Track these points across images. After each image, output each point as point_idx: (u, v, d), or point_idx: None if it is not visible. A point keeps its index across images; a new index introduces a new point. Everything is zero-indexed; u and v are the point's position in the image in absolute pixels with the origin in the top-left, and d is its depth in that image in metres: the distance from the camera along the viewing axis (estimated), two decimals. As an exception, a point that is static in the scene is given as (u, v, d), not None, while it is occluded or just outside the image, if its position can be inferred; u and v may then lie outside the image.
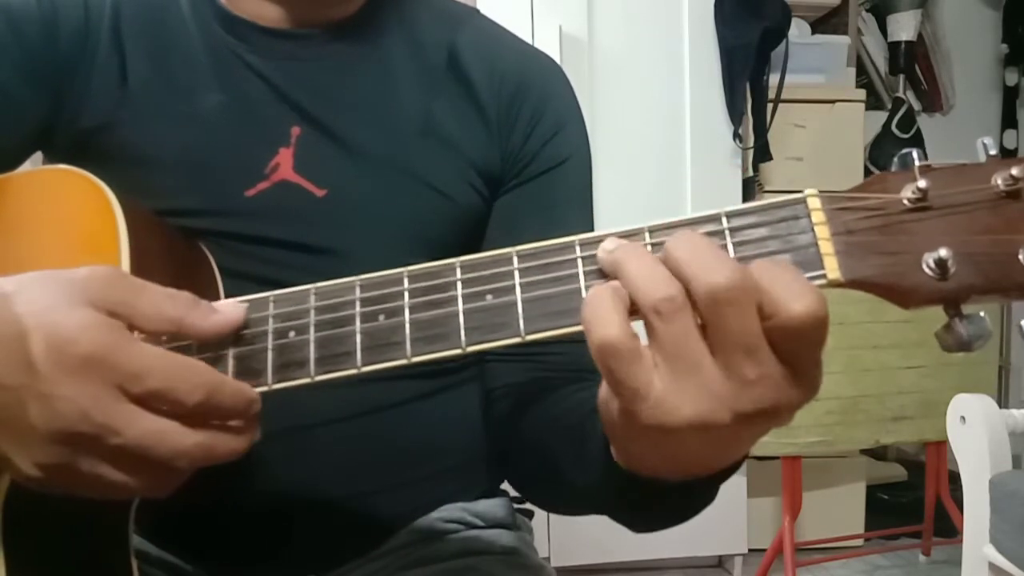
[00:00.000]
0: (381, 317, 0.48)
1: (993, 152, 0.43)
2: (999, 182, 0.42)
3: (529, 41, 0.85)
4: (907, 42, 2.82)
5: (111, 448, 0.45)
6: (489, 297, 0.47)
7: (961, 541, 1.54)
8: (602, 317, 0.41)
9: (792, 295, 0.40)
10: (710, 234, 0.45)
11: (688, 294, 0.41)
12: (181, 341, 0.50)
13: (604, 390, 0.44)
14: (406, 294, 0.48)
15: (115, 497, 0.48)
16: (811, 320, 0.39)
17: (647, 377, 0.41)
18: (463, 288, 0.47)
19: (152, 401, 0.45)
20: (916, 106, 2.99)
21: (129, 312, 0.46)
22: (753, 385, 0.40)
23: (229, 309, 0.50)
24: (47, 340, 0.44)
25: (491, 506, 0.80)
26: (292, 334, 0.49)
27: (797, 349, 0.41)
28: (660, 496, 0.50)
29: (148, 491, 0.47)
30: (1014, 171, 0.41)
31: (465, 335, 0.46)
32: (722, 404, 0.40)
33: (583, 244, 0.46)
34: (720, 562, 2.41)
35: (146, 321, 0.47)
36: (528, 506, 0.86)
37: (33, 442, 0.45)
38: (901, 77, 2.87)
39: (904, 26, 2.80)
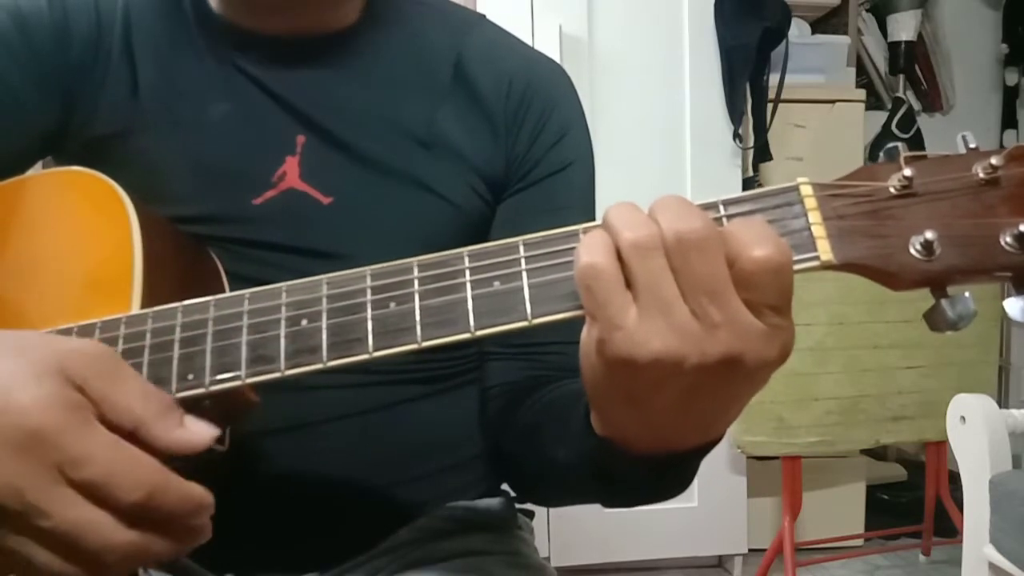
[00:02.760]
0: (392, 304, 0.49)
1: (973, 145, 0.46)
2: (979, 171, 0.44)
3: (529, 41, 0.86)
4: (907, 42, 2.82)
5: (39, 530, 0.43)
6: (497, 283, 0.48)
7: (961, 541, 1.55)
8: (591, 247, 0.44)
9: (753, 241, 0.42)
10: None
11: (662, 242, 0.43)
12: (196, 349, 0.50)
13: (585, 330, 0.46)
14: (416, 281, 0.49)
15: None
16: (770, 264, 0.42)
17: (623, 304, 0.43)
18: (471, 275, 0.49)
19: (90, 490, 0.43)
20: (916, 106, 2.99)
21: (97, 396, 0.45)
22: (719, 329, 0.42)
23: (199, 431, 0.48)
24: (3, 407, 0.43)
25: (492, 505, 0.81)
26: (304, 322, 0.50)
27: (760, 296, 0.43)
28: (635, 468, 0.51)
29: None
30: (993, 160, 0.44)
31: (474, 319, 0.48)
32: (689, 344, 0.43)
33: (587, 232, 0.47)
34: (720, 562, 2.41)
35: (112, 412, 0.45)
36: (529, 506, 0.86)
37: None
38: (901, 77, 2.87)
39: (904, 26, 2.80)
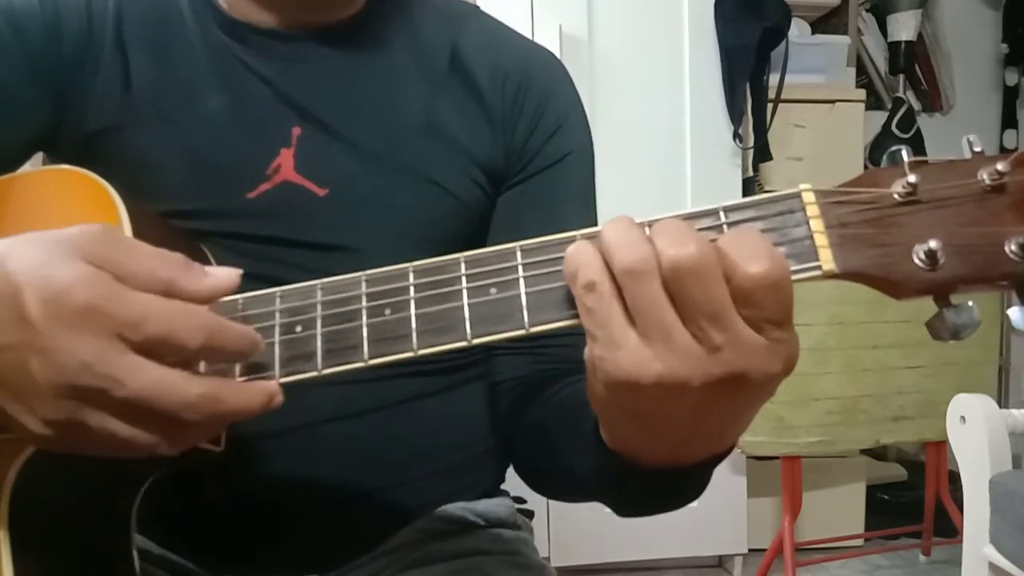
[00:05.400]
0: (387, 311, 0.49)
1: (978, 149, 0.45)
2: (985, 177, 0.44)
3: (529, 41, 0.86)
4: (907, 42, 2.82)
5: (117, 400, 0.44)
6: (493, 291, 0.48)
7: (961, 541, 1.55)
8: (587, 263, 0.43)
9: (749, 257, 0.41)
10: (709, 228, 0.46)
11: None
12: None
13: (587, 348, 0.45)
14: (412, 288, 0.49)
15: (128, 454, 0.47)
16: (767, 280, 0.41)
17: (623, 323, 0.43)
18: (468, 282, 0.48)
19: (154, 348, 0.44)
20: (916, 106, 2.99)
21: (120, 270, 0.46)
22: (720, 350, 0.42)
23: (222, 274, 0.49)
24: (41, 294, 0.43)
25: (492, 506, 0.81)
26: (299, 328, 0.50)
27: (760, 312, 0.42)
28: (646, 481, 0.51)
29: (161, 446, 0.47)
30: (999, 166, 0.43)
31: (471, 328, 0.47)
32: (692, 366, 0.42)
33: (579, 245, 0.47)
34: (720, 562, 2.41)
35: (136, 280, 0.46)
36: (529, 506, 0.86)
37: (38, 399, 0.44)
38: (901, 77, 2.87)
39: (904, 26, 2.80)
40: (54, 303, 0.43)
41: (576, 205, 0.78)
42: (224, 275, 0.49)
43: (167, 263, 0.48)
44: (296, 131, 0.72)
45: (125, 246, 0.47)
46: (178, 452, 0.48)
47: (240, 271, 0.50)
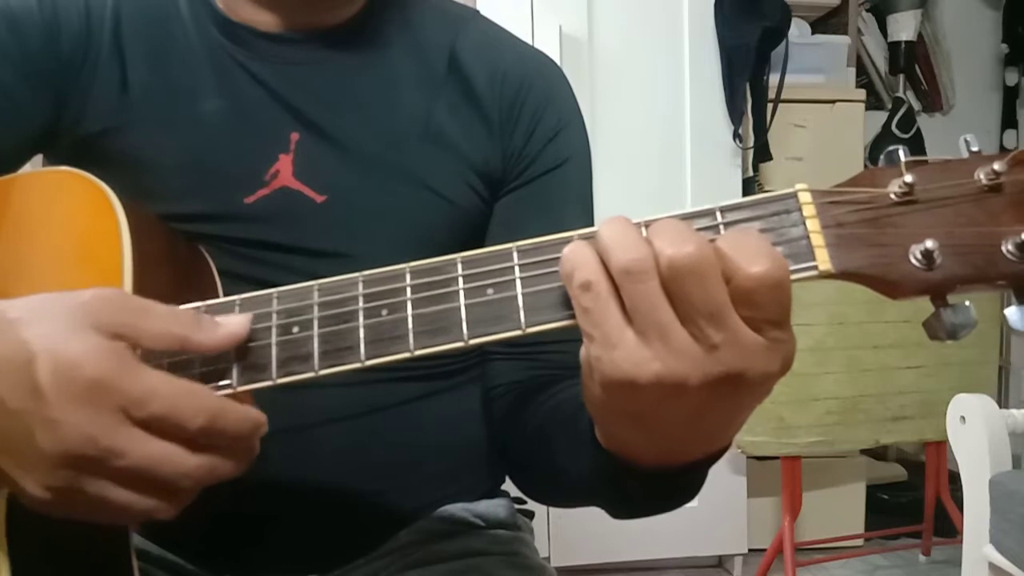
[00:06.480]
0: (384, 312, 0.49)
1: (976, 148, 0.45)
2: (982, 177, 0.44)
3: (529, 41, 0.86)
4: (907, 42, 2.82)
5: (116, 470, 0.45)
6: (490, 291, 0.48)
7: (961, 541, 1.55)
8: (584, 263, 0.43)
9: (749, 257, 0.41)
10: (706, 228, 0.46)
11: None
12: (184, 357, 0.50)
13: (583, 348, 0.45)
14: (408, 289, 0.49)
15: (123, 521, 0.49)
16: (767, 281, 0.41)
17: (620, 323, 0.43)
18: (464, 283, 0.48)
19: (155, 425, 0.46)
20: (916, 106, 2.99)
21: (134, 334, 0.47)
22: (719, 349, 0.42)
23: (233, 322, 0.50)
24: (53, 365, 0.44)
25: (492, 507, 0.81)
26: (296, 329, 0.50)
27: (759, 312, 0.42)
28: (643, 481, 0.51)
29: (154, 512, 0.48)
30: (996, 166, 0.43)
31: (467, 328, 0.47)
32: (690, 365, 0.42)
33: (582, 239, 0.47)
34: (720, 562, 2.41)
35: (151, 341, 0.47)
36: (529, 507, 0.86)
37: (40, 466, 0.45)
38: (901, 77, 2.87)
39: (904, 26, 2.80)
40: (64, 375, 0.44)
41: (574, 210, 0.78)
42: (235, 323, 0.50)
43: (180, 320, 0.49)
44: (295, 137, 0.72)
45: (137, 309, 0.48)
46: (171, 516, 0.49)
47: (250, 316, 0.51)
